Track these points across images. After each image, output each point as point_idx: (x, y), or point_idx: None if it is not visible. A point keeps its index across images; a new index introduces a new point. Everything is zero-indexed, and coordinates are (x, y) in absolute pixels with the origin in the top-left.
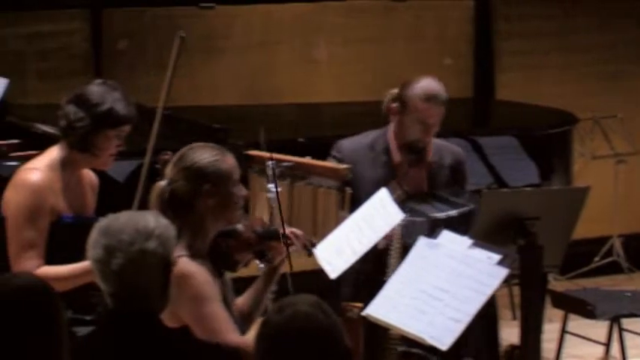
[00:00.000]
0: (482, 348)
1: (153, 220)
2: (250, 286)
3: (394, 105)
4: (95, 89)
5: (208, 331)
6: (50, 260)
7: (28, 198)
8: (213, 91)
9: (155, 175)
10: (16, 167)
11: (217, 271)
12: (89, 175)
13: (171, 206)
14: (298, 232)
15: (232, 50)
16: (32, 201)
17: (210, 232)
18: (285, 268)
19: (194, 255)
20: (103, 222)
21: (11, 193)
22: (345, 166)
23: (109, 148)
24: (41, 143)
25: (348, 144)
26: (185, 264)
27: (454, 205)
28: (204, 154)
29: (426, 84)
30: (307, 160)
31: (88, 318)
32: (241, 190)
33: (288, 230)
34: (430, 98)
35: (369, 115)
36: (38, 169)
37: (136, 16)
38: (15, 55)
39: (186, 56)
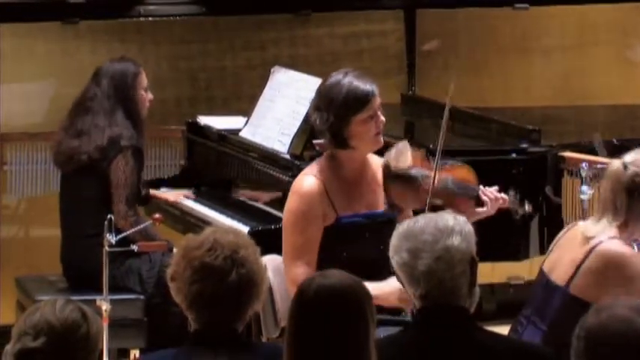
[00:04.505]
0: None
1: (451, 218)
2: None
3: None
4: (323, 88)
5: None
6: (338, 259)
7: (297, 204)
8: (525, 92)
9: None
10: None
11: None
12: (372, 170)
13: (627, 190)
14: None
15: (546, 51)
16: (300, 207)
17: None
18: None
19: None
20: (401, 227)
21: (287, 199)
22: None
23: (369, 131)
24: None
25: None
26: (621, 245)
27: None
28: None
29: None
30: None
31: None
32: None
33: None
34: None
35: None
36: (309, 175)
37: (449, 16)
38: (330, 55)
39: (500, 57)
